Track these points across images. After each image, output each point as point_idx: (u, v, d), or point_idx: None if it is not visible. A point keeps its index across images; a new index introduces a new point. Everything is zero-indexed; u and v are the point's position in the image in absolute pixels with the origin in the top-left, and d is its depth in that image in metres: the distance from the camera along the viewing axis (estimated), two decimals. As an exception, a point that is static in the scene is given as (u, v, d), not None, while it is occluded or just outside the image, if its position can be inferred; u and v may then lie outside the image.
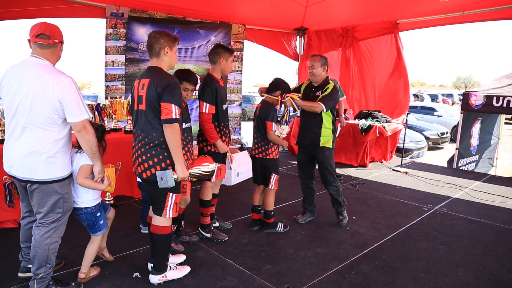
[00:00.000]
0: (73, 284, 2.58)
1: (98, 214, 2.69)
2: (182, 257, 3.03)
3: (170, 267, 2.75)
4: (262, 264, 3.03)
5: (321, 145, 3.68)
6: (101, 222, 2.71)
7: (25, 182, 2.37)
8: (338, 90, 3.70)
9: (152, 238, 2.67)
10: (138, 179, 3.43)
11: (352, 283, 2.77)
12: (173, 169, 2.47)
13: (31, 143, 2.28)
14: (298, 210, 4.16)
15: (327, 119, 3.67)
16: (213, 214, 3.68)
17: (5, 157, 2.38)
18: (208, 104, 3.14)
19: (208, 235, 3.46)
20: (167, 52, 2.51)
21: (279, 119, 3.53)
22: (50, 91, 2.20)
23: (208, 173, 2.70)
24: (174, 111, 2.38)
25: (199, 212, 3.47)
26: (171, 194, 2.54)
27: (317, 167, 3.88)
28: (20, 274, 2.69)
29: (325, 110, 3.55)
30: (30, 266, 2.47)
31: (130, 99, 2.63)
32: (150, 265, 2.80)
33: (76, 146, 2.58)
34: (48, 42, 2.28)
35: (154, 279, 2.67)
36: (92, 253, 2.71)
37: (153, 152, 2.45)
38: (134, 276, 2.80)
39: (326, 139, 3.68)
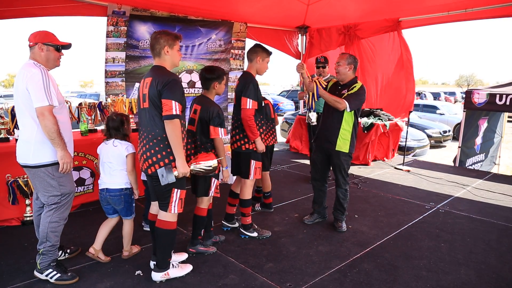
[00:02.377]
0: (69, 274, 2.70)
1: (132, 196, 2.98)
2: (184, 256, 3.04)
3: (173, 264, 2.76)
4: (264, 262, 3.04)
5: (336, 149, 3.53)
6: (134, 205, 3.00)
7: (24, 167, 2.62)
8: (365, 91, 3.54)
9: (157, 233, 2.69)
10: (142, 177, 3.44)
11: (354, 281, 2.77)
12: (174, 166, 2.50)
13: (22, 131, 2.61)
14: (300, 208, 4.15)
15: (347, 120, 3.50)
16: (233, 214, 3.69)
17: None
18: (251, 100, 3.17)
19: (254, 234, 3.47)
20: (167, 52, 2.55)
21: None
22: (21, 81, 2.49)
23: (211, 168, 2.71)
24: (175, 107, 2.41)
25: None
26: (175, 190, 2.57)
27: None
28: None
29: (348, 109, 3.41)
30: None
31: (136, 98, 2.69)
32: (152, 263, 2.81)
33: (105, 137, 2.94)
34: (28, 46, 2.62)
35: (157, 276, 2.69)
36: (129, 233, 3.00)
37: (157, 148, 2.50)
38: (136, 274, 2.81)
39: (343, 142, 3.51)
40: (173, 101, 2.41)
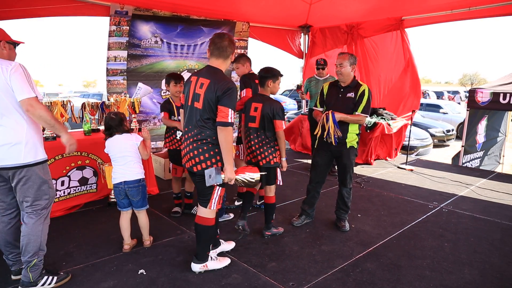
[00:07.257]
0: (61, 273, 2.68)
1: (146, 187, 3.16)
2: (232, 244, 3.22)
3: (211, 257, 2.87)
4: (267, 261, 3.04)
5: (348, 146, 3.50)
6: (147, 196, 3.14)
7: (9, 169, 2.37)
8: (371, 93, 3.51)
9: (197, 229, 2.79)
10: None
11: (357, 281, 2.76)
12: (222, 169, 2.59)
13: (6, 133, 2.32)
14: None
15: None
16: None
17: None
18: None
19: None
20: (232, 58, 2.73)
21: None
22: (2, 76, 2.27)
23: (254, 181, 2.79)
24: (230, 115, 2.52)
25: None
26: (217, 187, 2.68)
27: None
28: (14, 277, 2.66)
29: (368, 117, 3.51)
30: (23, 267, 2.50)
31: (184, 93, 2.76)
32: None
33: (106, 134, 3.02)
34: None
35: (196, 267, 2.81)
36: (146, 223, 3.16)
37: (205, 148, 2.59)
38: (139, 273, 2.81)
39: (353, 138, 3.52)
40: (230, 109, 2.51)
